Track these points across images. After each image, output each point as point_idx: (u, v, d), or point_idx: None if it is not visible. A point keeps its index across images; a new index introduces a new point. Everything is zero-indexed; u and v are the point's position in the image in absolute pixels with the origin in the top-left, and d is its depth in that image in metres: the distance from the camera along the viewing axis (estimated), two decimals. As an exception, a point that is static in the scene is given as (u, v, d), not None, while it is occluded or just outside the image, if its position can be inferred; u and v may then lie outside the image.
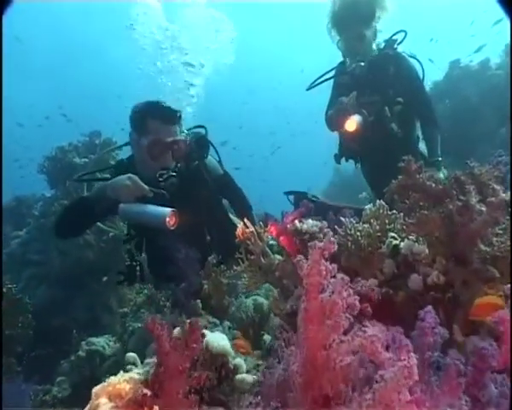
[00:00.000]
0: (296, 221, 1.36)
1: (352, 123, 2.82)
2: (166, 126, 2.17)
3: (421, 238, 1.17)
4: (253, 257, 1.50)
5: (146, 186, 2.00)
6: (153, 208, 1.96)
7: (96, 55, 21.81)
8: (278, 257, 1.50)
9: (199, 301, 1.71)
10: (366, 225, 1.30)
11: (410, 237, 1.20)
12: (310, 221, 1.37)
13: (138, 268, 2.38)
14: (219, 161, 2.71)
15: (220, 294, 1.78)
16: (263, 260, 1.50)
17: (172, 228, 1.94)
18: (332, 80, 3.27)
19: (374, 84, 3.01)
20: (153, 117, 2.15)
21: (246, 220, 1.53)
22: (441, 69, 6.31)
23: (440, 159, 2.91)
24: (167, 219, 1.91)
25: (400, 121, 2.99)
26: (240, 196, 2.64)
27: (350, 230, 1.31)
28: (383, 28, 3.12)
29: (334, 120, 3.03)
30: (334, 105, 3.06)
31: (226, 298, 1.78)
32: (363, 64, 2.96)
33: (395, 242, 1.23)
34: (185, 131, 2.34)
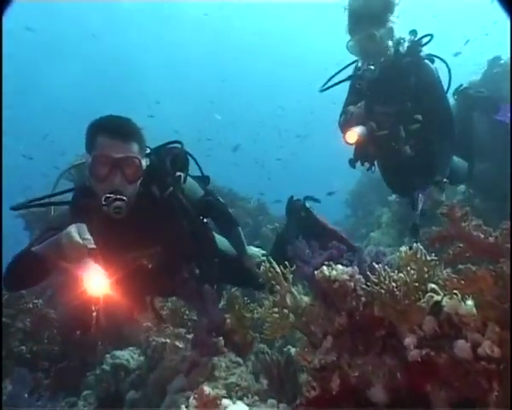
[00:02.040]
0: (324, 267, 1.25)
1: (352, 135, 2.70)
2: (115, 142, 1.84)
3: (467, 296, 1.04)
4: (277, 298, 1.41)
5: (82, 241, 1.53)
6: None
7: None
8: (306, 299, 1.39)
9: (221, 338, 1.62)
10: (402, 274, 1.18)
11: (454, 293, 1.08)
12: (339, 267, 1.25)
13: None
14: (201, 176, 2.53)
15: (244, 329, 1.69)
16: (289, 301, 1.40)
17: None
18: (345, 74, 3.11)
19: (390, 93, 2.82)
20: (101, 131, 1.86)
21: (270, 258, 1.43)
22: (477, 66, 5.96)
23: (446, 180, 2.72)
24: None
25: (416, 140, 2.82)
26: (224, 214, 2.40)
27: (384, 278, 1.19)
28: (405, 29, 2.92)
29: (341, 128, 2.93)
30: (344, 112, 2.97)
31: (250, 333, 1.69)
32: (373, 68, 2.75)
33: (436, 298, 1.10)
34: (148, 150, 2.07)
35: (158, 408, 1.61)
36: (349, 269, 1.25)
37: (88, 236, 1.55)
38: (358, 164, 3.17)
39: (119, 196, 1.80)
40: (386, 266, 1.21)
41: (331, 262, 1.31)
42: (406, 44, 2.85)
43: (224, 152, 17.81)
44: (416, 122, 2.77)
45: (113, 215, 1.80)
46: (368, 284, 1.23)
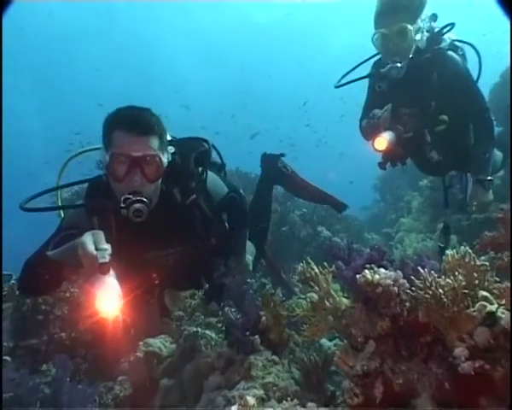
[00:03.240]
0: (366, 271, 1.21)
1: (382, 142, 2.49)
2: (134, 138, 1.68)
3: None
4: (315, 300, 1.38)
5: (97, 253, 1.41)
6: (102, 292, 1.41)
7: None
8: (345, 301, 1.36)
9: (257, 336, 1.61)
10: (449, 280, 1.12)
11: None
12: (382, 271, 1.21)
13: None
14: (224, 174, 2.41)
15: (279, 326, 1.67)
16: (327, 303, 1.37)
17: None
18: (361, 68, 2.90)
19: (413, 93, 2.59)
20: (118, 126, 1.69)
21: (309, 259, 1.40)
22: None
23: (490, 178, 2.48)
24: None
25: (444, 143, 2.60)
26: (241, 214, 2.21)
27: (430, 283, 1.14)
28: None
29: (366, 133, 2.74)
30: (367, 114, 2.74)
31: (286, 331, 1.68)
32: (400, 65, 2.49)
33: (490, 307, 1.05)
34: (171, 145, 1.87)
35: (195, 408, 1.63)
36: (392, 273, 1.21)
37: (104, 245, 1.44)
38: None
39: (138, 198, 1.67)
40: (431, 271, 1.16)
41: (372, 265, 1.27)
42: (425, 36, 2.57)
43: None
44: (441, 123, 2.54)
45: (133, 218, 1.67)
46: (412, 288, 1.19)
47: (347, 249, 1.49)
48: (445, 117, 2.52)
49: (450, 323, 1.12)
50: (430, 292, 1.13)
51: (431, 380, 1.10)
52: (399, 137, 2.53)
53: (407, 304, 1.19)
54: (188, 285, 2.36)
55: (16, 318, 3.03)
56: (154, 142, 1.72)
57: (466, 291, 1.11)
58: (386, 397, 1.12)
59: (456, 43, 2.70)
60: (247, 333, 1.61)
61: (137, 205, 1.66)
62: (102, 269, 1.37)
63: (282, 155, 3.07)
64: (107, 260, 1.39)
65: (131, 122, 1.67)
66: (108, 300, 1.36)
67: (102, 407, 2.73)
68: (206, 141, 2.16)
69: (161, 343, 3.22)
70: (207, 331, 3.18)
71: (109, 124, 1.71)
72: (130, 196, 1.66)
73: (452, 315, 1.11)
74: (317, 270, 1.38)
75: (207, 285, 2.10)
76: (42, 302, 3.15)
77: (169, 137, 1.89)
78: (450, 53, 2.57)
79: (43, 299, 3.16)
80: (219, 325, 3.32)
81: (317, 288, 1.38)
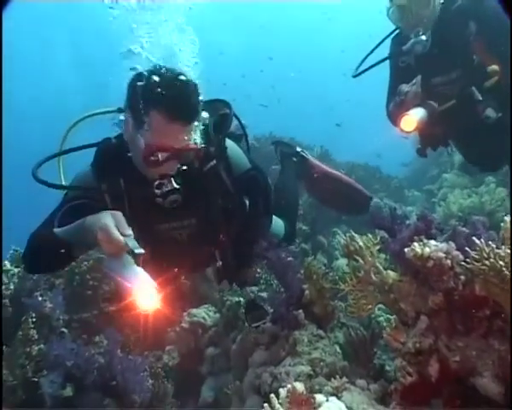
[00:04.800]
0: (415, 244, 1.13)
1: (410, 122, 2.12)
2: (178, 127, 1.49)
3: None
4: (361, 274, 1.32)
5: (121, 236, 1.30)
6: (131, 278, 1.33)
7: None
8: (392, 274, 1.29)
9: (301, 311, 1.58)
10: (509, 250, 1.03)
11: None
12: (432, 243, 1.12)
13: None
14: (247, 147, 2.17)
15: (324, 299, 1.63)
16: (373, 277, 1.31)
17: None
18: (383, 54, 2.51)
19: (448, 57, 2.23)
20: (160, 109, 1.46)
21: (352, 233, 1.33)
22: None
23: None
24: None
25: (500, 98, 2.19)
26: (264, 198, 1.97)
27: (487, 254, 1.05)
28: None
29: (394, 115, 2.34)
30: (393, 95, 2.37)
31: (330, 304, 1.64)
32: (425, 38, 2.16)
33: (558, 281, 0.95)
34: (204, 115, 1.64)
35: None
36: (444, 245, 1.12)
37: (128, 230, 1.33)
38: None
39: (175, 187, 1.54)
40: (488, 241, 1.07)
41: (421, 237, 1.18)
42: None
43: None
44: (491, 75, 2.16)
45: (168, 207, 1.57)
46: (467, 260, 1.10)
47: (391, 217, 1.41)
48: (494, 67, 2.15)
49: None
50: (488, 264, 1.04)
51: (493, 358, 1.02)
52: (432, 113, 2.17)
53: (462, 277, 1.11)
54: (203, 264, 2.12)
55: (68, 293, 3.17)
56: (195, 127, 1.57)
57: (529, 262, 1.01)
58: (442, 376, 1.06)
59: None
60: (291, 308, 1.58)
61: (174, 197, 1.55)
62: (137, 260, 1.29)
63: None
64: (142, 251, 1.30)
65: (176, 108, 1.47)
66: (146, 295, 1.28)
67: (153, 375, 2.84)
68: (227, 104, 1.95)
69: (205, 313, 3.29)
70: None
71: (148, 98, 1.47)
72: (164, 182, 1.54)
73: (514, 288, 1.02)
74: (361, 243, 1.31)
75: (220, 262, 1.91)
76: (90, 278, 3.27)
77: None
78: None
79: (92, 275, 3.28)
80: (261, 294, 3.35)
81: (361, 261, 1.31)
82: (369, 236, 1.32)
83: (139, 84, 1.50)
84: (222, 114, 1.88)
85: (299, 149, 2.92)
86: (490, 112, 2.18)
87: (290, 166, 2.87)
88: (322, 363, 1.40)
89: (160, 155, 1.49)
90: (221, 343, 2.99)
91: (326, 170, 3.00)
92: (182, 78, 1.51)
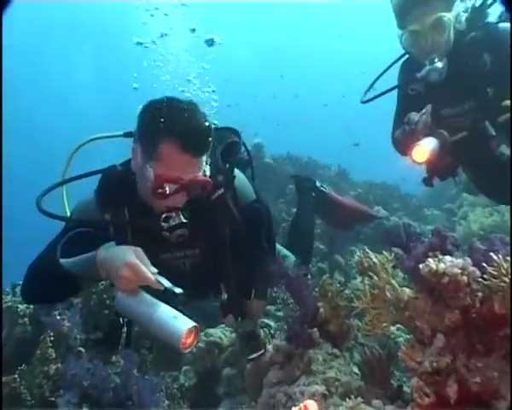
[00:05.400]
0: (430, 260, 1.10)
1: (422, 152, 2.01)
2: (188, 159, 1.46)
3: None
4: (376, 291, 1.30)
5: (152, 275, 1.31)
6: (163, 317, 1.29)
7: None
8: (408, 291, 1.26)
9: (316, 329, 1.56)
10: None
11: None
12: (448, 258, 1.10)
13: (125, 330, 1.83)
14: (252, 176, 2.13)
15: (339, 318, 1.60)
16: (388, 294, 1.28)
17: (186, 349, 1.33)
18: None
19: (461, 87, 2.14)
20: (170, 140, 1.43)
21: (367, 250, 1.32)
22: None
23: None
24: (182, 340, 1.27)
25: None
26: (266, 234, 1.92)
27: (506, 270, 1.02)
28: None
29: (401, 145, 2.26)
30: (400, 125, 2.26)
31: (346, 322, 1.61)
32: (441, 65, 2.05)
33: None
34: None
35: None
36: (460, 260, 1.09)
37: (154, 269, 1.32)
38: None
39: (182, 221, 1.50)
40: (506, 257, 1.04)
41: (436, 253, 1.16)
42: (464, 16, 2.11)
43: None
44: (505, 110, 2.03)
45: (175, 241, 1.55)
46: (484, 277, 1.07)
47: (405, 234, 1.39)
48: (508, 102, 2.02)
49: (532, 314, 1.00)
50: (507, 280, 1.01)
51: (517, 380, 0.98)
52: (444, 143, 2.08)
53: (479, 294, 1.08)
54: (206, 294, 2.05)
55: (85, 312, 3.20)
56: (205, 158, 1.55)
57: (550, 278, 0.98)
58: (461, 397, 1.02)
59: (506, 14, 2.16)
60: (306, 326, 1.56)
61: (181, 231, 1.52)
62: (175, 300, 1.29)
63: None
64: (181, 290, 1.30)
65: (188, 139, 1.43)
66: (189, 336, 1.28)
67: (169, 396, 2.82)
68: (236, 132, 1.92)
69: (222, 333, 3.28)
70: (266, 320, 3.20)
71: (158, 128, 1.44)
72: (172, 215, 1.50)
73: (535, 306, 0.99)
74: (375, 259, 1.29)
75: (226, 295, 1.84)
76: (107, 298, 3.30)
77: None
78: (503, 25, 2.10)
79: (109, 295, 3.31)
80: (278, 313, 3.32)
81: (376, 278, 1.29)
82: (384, 253, 1.30)
83: (151, 113, 1.49)
84: (231, 142, 1.86)
85: (318, 184, 2.96)
86: (504, 149, 2.11)
87: (308, 202, 2.91)
88: (337, 382, 1.37)
89: (168, 187, 1.46)
90: (237, 364, 2.96)
91: (344, 202, 3.10)
92: (195, 109, 1.51)
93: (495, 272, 1.04)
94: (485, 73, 2.09)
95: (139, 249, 1.37)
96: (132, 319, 1.43)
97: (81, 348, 2.84)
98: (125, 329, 1.82)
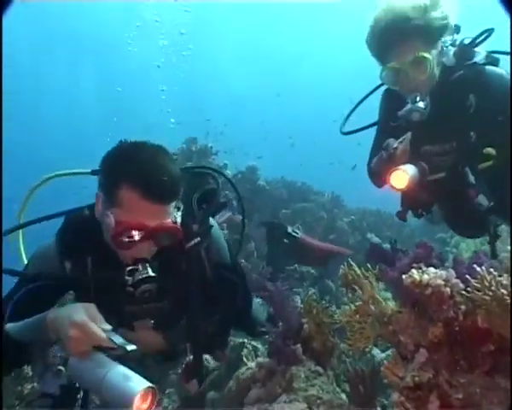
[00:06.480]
0: (413, 271, 1.09)
1: (402, 177, 1.85)
2: (152, 206, 1.32)
3: None
4: (360, 304, 1.27)
5: (103, 333, 1.15)
6: (114, 379, 1.12)
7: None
8: (392, 305, 1.24)
9: (299, 345, 1.52)
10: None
11: None
12: (431, 270, 1.08)
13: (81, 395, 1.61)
14: (243, 227, 2.05)
15: (323, 335, 1.57)
16: (372, 307, 1.25)
17: None
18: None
19: (444, 127, 2.01)
20: (129, 186, 1.30)
21: (351, 261, 1.30)
22: None
23: None
24: (135, 403, 1.07)
25: (493, 184, 2.02)
26: (241, 306, 1.74)
27: (489, 283, 1.00)
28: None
29: (377, 172, 2.10)
30: (378, 152, 2.10)
31: (330, 339, 1.57)
32: (423, 105, 1.91)
33: None
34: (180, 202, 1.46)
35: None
36: (443, 272, 1.07)
37: (107, 325, 1.17)
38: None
39: (149, 275, 1.35)
40: (490, 269, 1.02)
41: (420, 264, 1.14)
42: (452, 51, 1.99)
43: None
44: (487, 158, 1.92)
45: (140, 297, 1.38)
46: (468, 289, 1.05)
47: (392, 250, 1.38)
48: (490, 150, 1.91)
49: (517, 328, 0.97)
50: (490, 293, 0.99)
51: (500, 397, 0.95)
52: (423, 173, 1.94)
53: (462, 307, 1.05)
54: (172, 353, 1.81)
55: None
56: (174, 205, 1.41)
57: (533, 291, 0.96)
58: (442, 413, 0.99)
59: (494, 55, 2.05)
60: (289, 342, 1.52)
61: (147, 286, 1.36)
62: (130, 357, 1.15)
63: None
64: (135, 347, 1.15)
65: (149, 186, 1.30)
66: (146, 403, 1.10)
67: (151, 419, 2.72)
68: (214, 177, 1.76)
69: (208, 355, 3.20)
70: (253, 342, 3.13)
71: (118, 173, 1.33)
72: (138, 268, 1.35)
73: (519, 319, 0.96)
74: (359, 272, 1.27)
75: (191, 357, 1.68)
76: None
77: None
78: (490, 68, 1.99)
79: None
80: (266, 336, 3.26)
81: (360, 291, 1.27)
82: (368, 265, 1.28)
83: (113, 156, 1.40)
84: (209, 188, 1.72)
85: (290, 230, 2.96)
86: (482, 200, 2.01)
87: (279, 249, 2.93)
88: (318, 401, 1.32)
89: (130, 236, 1.33)
90: (222, 387, 2.88)
91: (316, 245, 3.15)
92: (161, 153, 1.40)
93: (478, 285, 1.02)
94: (469, 115, 1.98)
95: (91, 306, 1.22)
96: (83, 384, 1.28)
97: (61, 367, 2.76)
98: (81, 394, 1.62)
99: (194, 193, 1.62)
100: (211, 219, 1.69)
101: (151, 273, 1.36)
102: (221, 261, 1.70)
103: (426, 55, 1.86)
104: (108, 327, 1.18)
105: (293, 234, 2.92)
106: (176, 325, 1.63)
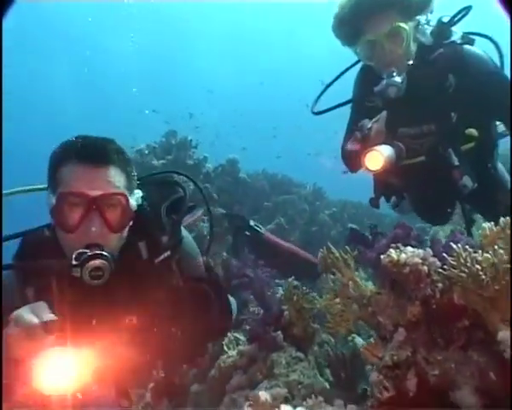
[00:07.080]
0: (391, 250, 1.09)
1: (377, 158, 1.75)
2: (89, 169, 1.25)
3: None
4: (339, 287, 1.27)
5: (36, 318, 1.07)
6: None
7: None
8: (370, 286, 1.24)
9: (279, 332, 1.51)
10: (488, 255, 0.99)
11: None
12: (409, 249, 1.09)
13: None
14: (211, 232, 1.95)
15: (304, 321, 1.56)
16: (352, 290, 1.25)
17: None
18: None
19: (422, 107, 1.94)
20: (66, 157, 1.26)
21: (329, 244, 1.29)
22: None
23: None
24: None
25: (476, 165, 1.98)
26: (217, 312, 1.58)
27: (465, 259, 1.01)
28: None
29: (351, 154, 1.98)
30: (352, 134, 2.00)
31: (311, 325, 1.57)
32: (399, 80, 1.84)
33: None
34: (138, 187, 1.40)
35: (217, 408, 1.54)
36: (421, 251, 1.08)
37: (50, 315, 1.08)
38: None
39: (98, 252, 1.22)
40: (466, 246, 1.03)
41: (398, 244, 1.15)
42: (429, 29, 1.94)
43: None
44: (469, 140, 1.90)
45: (89, 280, 1.22)
46: (444, 267, 1.06)
47: (371, 235, 1.39)
48: (473, 131, 1.90)
49: (490, 304, 0.98)
50: (466, 270, 1.00)
51: (472, 370, 0.96)
52: (400, 155, 1.85)
53: (439, 285, 1.06)
54: (145, 372, 1.71)
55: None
56: (118, 175, 1.30)
57: (508, 266, 0.97)
58: (420, 390, 0.99)
59: (470, 36, 2.02)
60: (269, 329, 1.51)
61: (96, 262, 1.21)
62: (50, 329, 1.06)
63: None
64: (53, 316, 1.07)
65: (85, 149, 1.26)
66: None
67: (134, 414, 2.68)
68: (180, 185, 1.66)
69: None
70: (236, 334, 3.12)
71: (55, 157, 1.29)
72: (87, 251, 1.22)
73: (493, 295, 0.97)
74: (338, 254, 1.27)
75: (162, 374, 1.64)
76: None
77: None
78: (469, 47, 1.96)
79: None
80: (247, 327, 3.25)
81: (339, 274, 1.26)
82: (347, 247, 1.28)
83: (52, 153, 1.33)
84: (177, 197, 1.61)
85: (252, 223, 2.99)
86: (467, 181, 1.93)
87: (241, 241, 2.95)
88: (299, 386, 1.32)
89: (72, 209, 1.23)
90: (206, 379, 2.86)
91: (280, 244, 3.12)
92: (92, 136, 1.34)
93: (454, 262, 1.02)
94: (449, 95, 1.92)
95: (40, 304, 1.13)
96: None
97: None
98: None
99: (161, 203, 1.53)
100: (182, 228, 1.60)
101: (105, 253, 1.23)
102: (193, 273, 1.61)
103: (403, 25, 1.82)
104: (51, 316, 1.09)
105: (256, 228, 2.94)
106: (148, 340, 1.49)
